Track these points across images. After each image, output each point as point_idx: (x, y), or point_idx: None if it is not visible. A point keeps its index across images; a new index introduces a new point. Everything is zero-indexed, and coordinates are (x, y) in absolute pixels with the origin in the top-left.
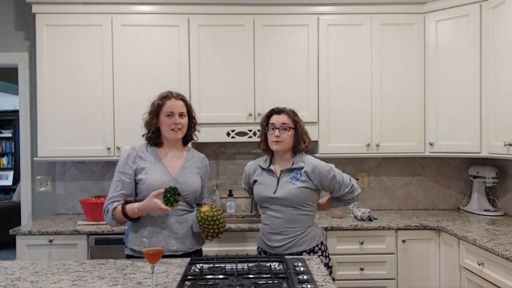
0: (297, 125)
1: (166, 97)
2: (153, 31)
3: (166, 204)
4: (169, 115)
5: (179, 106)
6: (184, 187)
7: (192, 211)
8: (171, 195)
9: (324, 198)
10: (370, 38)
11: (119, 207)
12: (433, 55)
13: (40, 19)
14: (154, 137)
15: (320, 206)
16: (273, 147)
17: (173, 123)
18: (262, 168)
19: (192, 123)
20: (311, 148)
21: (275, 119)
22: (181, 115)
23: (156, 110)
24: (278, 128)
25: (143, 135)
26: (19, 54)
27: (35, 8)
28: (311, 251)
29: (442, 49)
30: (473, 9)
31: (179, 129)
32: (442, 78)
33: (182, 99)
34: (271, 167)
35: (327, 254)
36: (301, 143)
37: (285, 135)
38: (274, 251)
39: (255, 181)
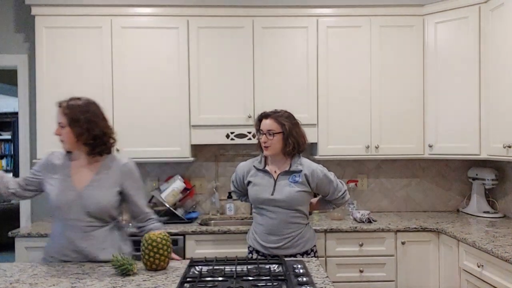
0: (283, 128)
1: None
2: (152, 33)
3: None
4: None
5: (59, 116)
6: (89, 203)
7: (104, 226)
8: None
9: (315, 198)
10: (370, 40)
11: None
12: (432, 57)
13: (39, 21)
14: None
15: (310, 206)
16: (264, 152)
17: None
18: (257, 169)
19: (86, 134)
20: (302, 149)
21: (262, 124)
22: (60, 125)
23: None
24: (265, 134)
25: None
26: (19, 56)
27: (34, 10)
28: (305, 253)
29: (441, 51)
30: (472, 11)
31: (62, 141)
32: (441, 80)
33: (63, 106)
34: (267, 167)
35: (317, 256)
36: (287, 146)
37: (272, 140)
38: (268, 251)
39: (249, 182)
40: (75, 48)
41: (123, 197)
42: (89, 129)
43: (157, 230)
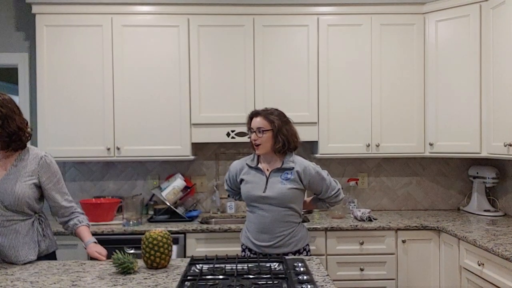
0: (272, 126)
1: None
2: (153, 32)
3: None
4: None
5: None
6: (4, 196)
7: (26, 219)
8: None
9: (309, 198)
10: (370, 39)
11: None
12: (433, 56)
13: (40, 20)
14: None
15: (304, 205)
16: (256, 151)
17: None
18: (250, 167)
19: (1, 131)
20: (294, 147)
21: (253, 122)
22: None
23: None
24: (255, 132)
25: None
26: (19, 55)
27: (35, 9)
28: (297, 252)
29: (442, 50)
30: (473, 9)
31: None
32: (442, 78)
33: None
34: (259, 165)
35: (309, 255)
36: (277, 143)
37: (261, 137)
38: (260, 250)
39: (242, 180)
40: (76, 46)
41: (42, 191)
42: (4, 125)
43: (83, 223)
